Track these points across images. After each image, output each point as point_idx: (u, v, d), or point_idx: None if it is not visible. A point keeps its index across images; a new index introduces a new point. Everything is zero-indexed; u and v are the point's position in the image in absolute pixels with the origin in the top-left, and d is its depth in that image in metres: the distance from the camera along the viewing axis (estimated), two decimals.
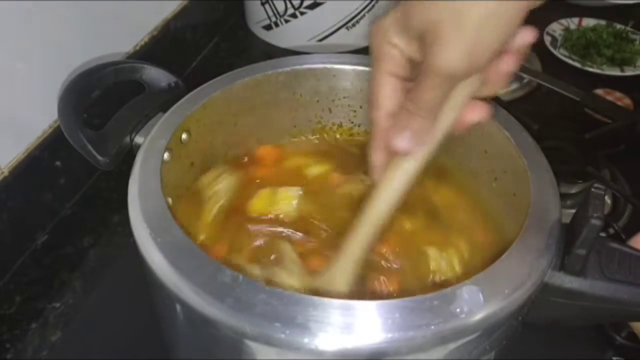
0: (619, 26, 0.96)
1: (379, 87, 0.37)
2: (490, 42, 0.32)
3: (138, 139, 0.46)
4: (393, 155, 0.38)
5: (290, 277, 0.41)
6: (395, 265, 0.45)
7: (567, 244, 0.37)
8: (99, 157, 0.44)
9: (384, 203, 0.39)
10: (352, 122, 0.56)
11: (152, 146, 0.43)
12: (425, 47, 0.33)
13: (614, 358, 0.52)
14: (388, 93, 0.37)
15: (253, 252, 0.46)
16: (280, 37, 0.92)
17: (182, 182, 0.48)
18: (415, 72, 0.36)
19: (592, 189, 0.35)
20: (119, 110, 0.47)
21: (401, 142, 0.36)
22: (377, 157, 0.39)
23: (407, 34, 0.34)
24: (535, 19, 0.34)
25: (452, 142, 0.51)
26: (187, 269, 0.34)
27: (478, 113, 0.38)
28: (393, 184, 0.39)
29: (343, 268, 0.40)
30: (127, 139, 0.46)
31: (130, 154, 0.45)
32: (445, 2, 0.32)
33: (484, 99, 0.39)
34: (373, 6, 0.89)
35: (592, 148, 0.67)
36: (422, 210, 0.50)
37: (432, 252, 0.46)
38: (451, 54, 0.32)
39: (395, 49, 0.36)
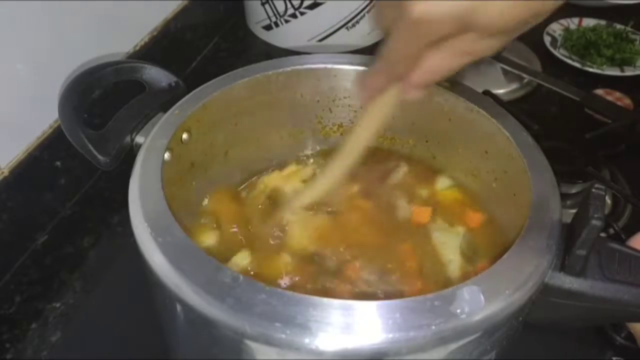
0: (619, 26, 0.96)
1: (413, 47, 0.35)
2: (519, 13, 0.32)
3: (139, 139, 0.46)
4: (391, 86, 0.39)
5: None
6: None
7: (567, 245, 0.37)
8: (100, 157, 0.44)
9: (373, 127, 0.43)
10: (353, 122, 0.56)
11: (152, 146, 0.43)
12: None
13: (614, 358, 0.52)
14: (419, 51, 0.36)
15: None
16: (280, 37, 0.92)
17: (183, 182, 0.48)
18: None
19: (592, 190, 0.35)
20: (119, 110, 0.47)
21: (417, 94, 0.38)
22: (378, 81, 0.40)
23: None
24: None
25: (452, 143, 0.52)
26: (187, 269, 0.34)
27: None
28: (384, 111, 0.42)
29: (328, 177, 0.46)
30: (128, 139, 0.46)
31: (130, 154, 0.45)
32: None
33: None
34: (373, 6, 0.89)
35: (592, 148, 0.67)
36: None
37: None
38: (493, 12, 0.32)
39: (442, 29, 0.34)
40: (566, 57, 0.90)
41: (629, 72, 0.87)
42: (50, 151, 0.61)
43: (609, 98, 0.81)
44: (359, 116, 0.47)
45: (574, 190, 0.64)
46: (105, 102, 0.51)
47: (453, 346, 0.33)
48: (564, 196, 0.42)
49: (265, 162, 0.56)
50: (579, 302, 0.37)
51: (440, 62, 0.36)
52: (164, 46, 0.78)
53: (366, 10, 0.88)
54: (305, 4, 0.86)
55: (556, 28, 0.96)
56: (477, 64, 0.85)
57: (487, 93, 0.69)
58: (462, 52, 0.35)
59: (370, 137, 0.44)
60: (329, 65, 0.52)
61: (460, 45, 0.34)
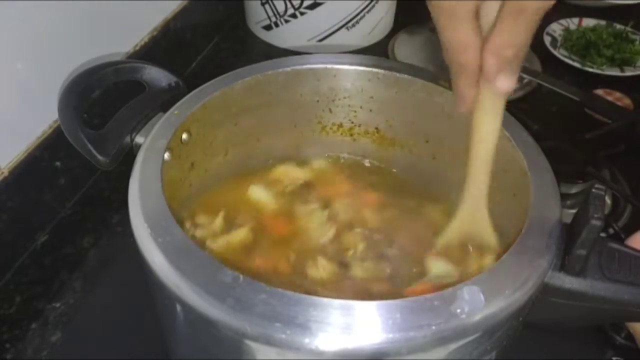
0: (619, 26, 0.96)
1: (461, 30, 0.35)
2: None
3: (138, 139, 0.46)
4: (483, 92, 0.38)
5: None
6: None
7: (567, 245, 0.36)
8: (99, 157, 0.44)
9: (490, 139, 0.41)
10: (353, 122, 0.56)
11: (152, 146, 0.43)
12: None
13: (614, 358, 0.52)
14: (472, 32, 0.35)
15: None
16: (280, 37, 0.92)
17: (183, 182, 0.48)
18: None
19: (592, 190, 0.35)
20: (119, 110, 0.47)
21: (505, 82, 0.37)
22: (469, 92, 0.39)
23: None
24: None
25: (452, 143, 0.52)
26: (187, 269, 0.34)
27: None
28: (494, 120, 0.40)
29: (474, 207, 0.43)
30: (128, 139, 0.46)
31: (130, 154, 0.45)
32: None
33: None
34: (373, 6, 0.89)
35: (592, 148, 0.67)
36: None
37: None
38: None
39: None
40: (566, 57, 0.90)
41: (629, 72, 0.87)
42: (50, 151, 0.61)
43: (609, 98, 0.81)
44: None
45: (574, 190, 0.64)
46: (105, 102, 0.51)
47: (453, 346, 0.33)
48: (564, 196, 0.42)
49: (265, 162, 0.56)
50: (579, 302, 0.37)
51: (506, 34, 0.34)
52: (164, 46, 0.78)
53: (366, 10, 0.88)
54: (305, 4, 0.86)
55: (556, 28, 0.96)
56: None
57: None
58: (517, 11, 0.33)
59: (490, 157, 0.41)
60: (329, 65, 0.52)
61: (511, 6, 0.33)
